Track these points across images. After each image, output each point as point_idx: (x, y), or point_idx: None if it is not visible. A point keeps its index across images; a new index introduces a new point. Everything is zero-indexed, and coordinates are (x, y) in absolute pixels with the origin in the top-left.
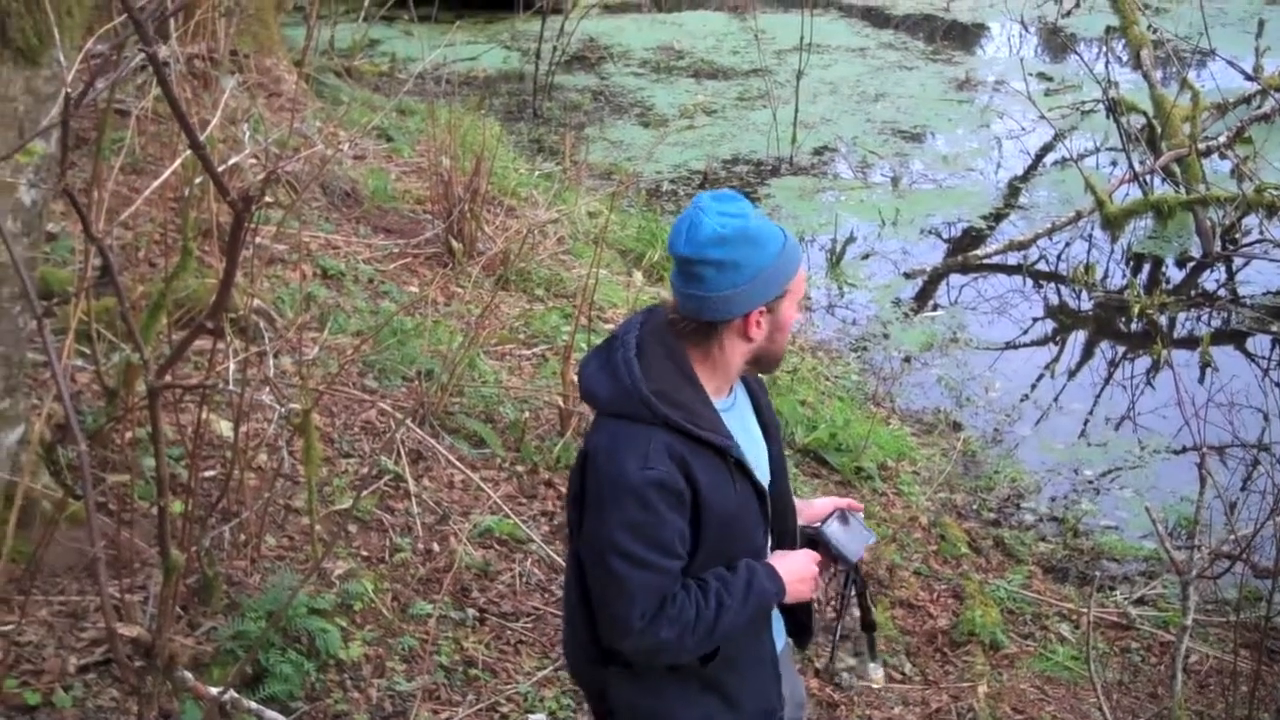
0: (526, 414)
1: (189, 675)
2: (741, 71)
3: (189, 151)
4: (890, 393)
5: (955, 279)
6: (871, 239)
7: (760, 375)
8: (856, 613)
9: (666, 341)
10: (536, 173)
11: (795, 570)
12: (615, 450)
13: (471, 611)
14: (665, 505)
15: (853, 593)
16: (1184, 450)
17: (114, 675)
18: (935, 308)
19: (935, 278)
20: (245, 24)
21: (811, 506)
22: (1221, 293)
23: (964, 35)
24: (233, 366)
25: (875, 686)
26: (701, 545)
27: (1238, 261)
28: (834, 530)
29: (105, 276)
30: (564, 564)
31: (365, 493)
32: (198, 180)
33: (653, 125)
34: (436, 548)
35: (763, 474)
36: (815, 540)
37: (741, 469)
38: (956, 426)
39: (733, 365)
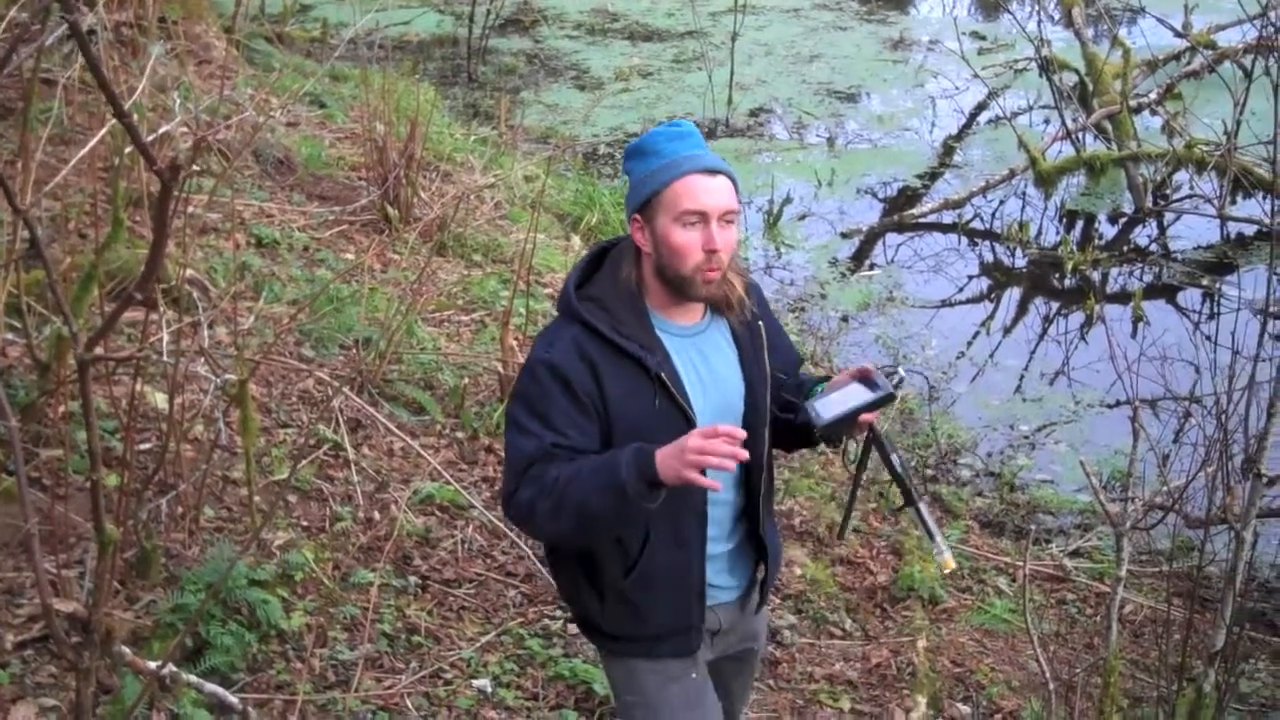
0: (466, 380)
1: (127, 650)
2: (677, 33)
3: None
4: (828, 352)
5: (891, 238)
6: (808, 200)
7: (749, 321)
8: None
9: (625, 256)
10: (472, 137)
11: (671, 447)
12: (538, 340)
13: (413, 579)
14: (553, 383)
15: (894, 465)
16: (1117, 404)
17: (52, 651)
18: (872, 267)
19: (871, 237)
20: None
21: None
22: (1153, 248)
23: None
24: (166, 337)
25: (946, 572)
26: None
27: (1169, 217)
28: (816, 398)
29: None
30: (505, 529)
31: (304, 462)
32: (128, 149)
33: (588, 88)
34: (377, 516)
35: (711, 410)
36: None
37: (664, 387)
38: None
39: (650, 281)
